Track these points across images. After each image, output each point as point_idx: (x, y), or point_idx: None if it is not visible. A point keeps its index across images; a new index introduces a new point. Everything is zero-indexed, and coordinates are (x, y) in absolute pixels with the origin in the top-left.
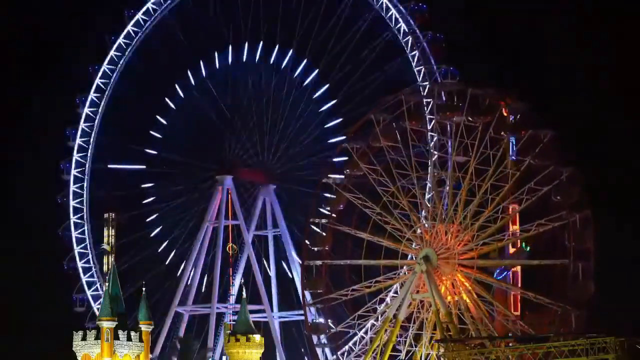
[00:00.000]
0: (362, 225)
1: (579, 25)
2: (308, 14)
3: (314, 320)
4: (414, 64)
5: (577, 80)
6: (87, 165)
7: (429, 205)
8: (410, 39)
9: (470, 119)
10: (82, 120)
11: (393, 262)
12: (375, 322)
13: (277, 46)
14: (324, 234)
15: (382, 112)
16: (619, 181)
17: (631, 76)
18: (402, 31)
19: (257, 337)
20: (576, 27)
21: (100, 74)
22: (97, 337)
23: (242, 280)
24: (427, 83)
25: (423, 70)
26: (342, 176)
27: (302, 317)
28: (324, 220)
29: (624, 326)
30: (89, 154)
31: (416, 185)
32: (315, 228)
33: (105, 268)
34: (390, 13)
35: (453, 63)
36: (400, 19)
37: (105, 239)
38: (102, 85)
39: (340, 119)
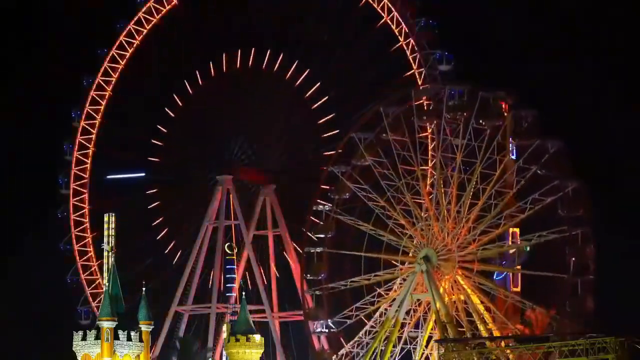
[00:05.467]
0: (365, 216)
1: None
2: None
3: (312, 308)
4: (408, 52)
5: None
6: (86, 178)
7: (431, 204)
8: (404, 26)
9: (482, 121)
10: (79, 133)
11: (393, 257)
12: (374, 315)
13: (271, 44)
14: (326, 222)
15: (390, 105)
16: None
17: None
18: (395, 20)
19: (257, 337)
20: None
21: (94, 86)
22: (97, 337)
23: (243, 281)
24: (422, 69)
25: (418, 57)
26: (348, 166)
27: (302, 318)
28: (327, 207)
29: (623, 326)
30: (87, 167)
31: (420, 183)
32: (315, 219)
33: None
34: (382, 3)
35: (447, 48)
36: (392, 8)
37: (105, 239)
38: (97, 98)
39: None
